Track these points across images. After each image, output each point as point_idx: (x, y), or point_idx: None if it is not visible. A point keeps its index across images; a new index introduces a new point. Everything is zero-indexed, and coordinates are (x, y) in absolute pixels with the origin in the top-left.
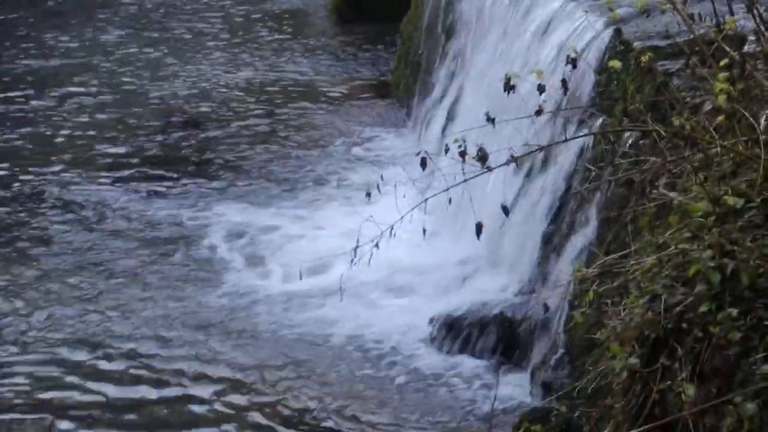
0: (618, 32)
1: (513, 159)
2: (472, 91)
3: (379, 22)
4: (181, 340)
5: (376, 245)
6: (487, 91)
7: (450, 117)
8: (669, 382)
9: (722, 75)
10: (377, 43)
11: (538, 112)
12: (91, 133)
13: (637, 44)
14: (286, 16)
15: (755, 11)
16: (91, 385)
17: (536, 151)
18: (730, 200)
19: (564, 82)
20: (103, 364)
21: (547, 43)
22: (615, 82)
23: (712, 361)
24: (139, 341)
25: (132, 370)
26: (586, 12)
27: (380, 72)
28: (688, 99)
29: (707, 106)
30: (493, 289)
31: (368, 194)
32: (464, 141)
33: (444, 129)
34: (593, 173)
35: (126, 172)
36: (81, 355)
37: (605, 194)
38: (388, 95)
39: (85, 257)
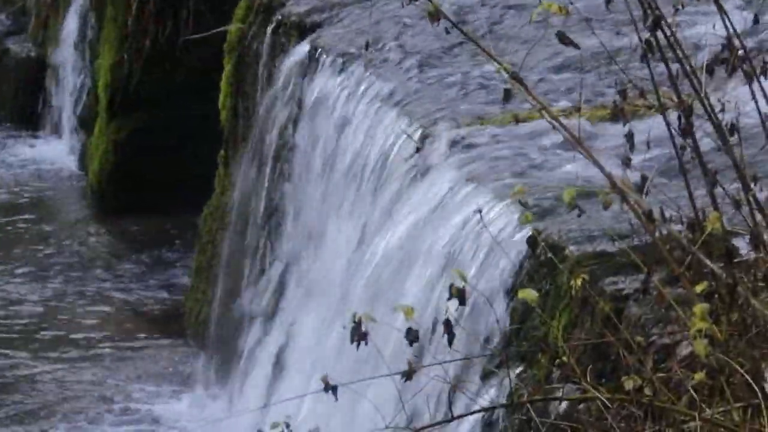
0: (533, 242)
1: None
2: (313, 323)
3: (167, 213)
4: None
5: None
6: (334, 325)
7: (279, 367)
8: None
9: (701, 308)
10: (164, 248)
11: (408, 373)
12: None
13: (571, 250)
14: (24, 206)
15: (750, 198)
16: None
17: None
18: None
19: (448, 325)
20: None
21: (425, 257)
22: (539, 312)
23: None
24: None
25: None
26: (479, 211)
27: (168, 296)
28: (654, 339)
29: (684, 351)
30: None
31: None
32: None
33: (269, 387)
34: None
35: None
36: None
37: None
38: (181, 333)
39: None
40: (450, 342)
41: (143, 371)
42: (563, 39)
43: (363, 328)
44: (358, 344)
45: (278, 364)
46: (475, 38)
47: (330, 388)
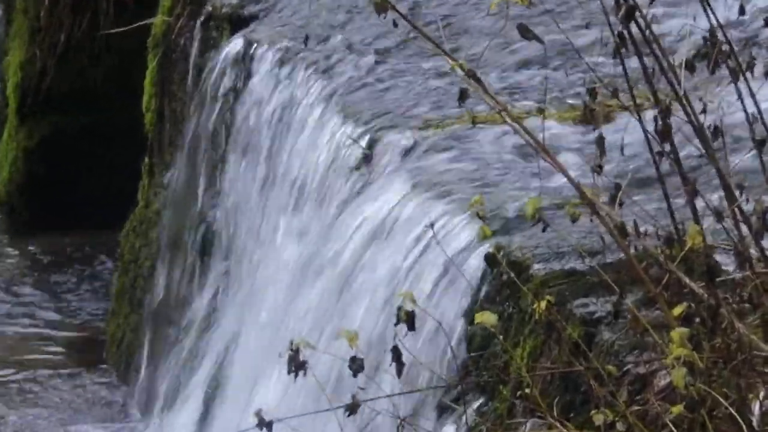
0: (491, 259)
1: None
2: (252, 344)
3: (85, 228)
4: None
5: None
6: (275, 348)
7: (210, 398)
8: None
9: (679, 332)
10: (81, 267)
11: (352, 407)
12: None
13: (536, 269)
14: None
15: (735, 210)
16: None
17: None
18: None
19: (396, 353)
20: None
21: (373, 277)
22: (499, 338)
23: None
24: None
25: None
26: (431, 225)
27: (85, 320)
28: (628, 368)
29: (662, 381)
30: None
31: None
32: None
33: (201, 421)
34: None
35: None
36: None
37: None
38: (100, 361)
39: None
40: (399, 372)
41: (54, 405)
42: (525, 33)
43: (301, 357)
44: (296, 374)
45: (209, 396)
46: (428, 32)
47: (264, 424)
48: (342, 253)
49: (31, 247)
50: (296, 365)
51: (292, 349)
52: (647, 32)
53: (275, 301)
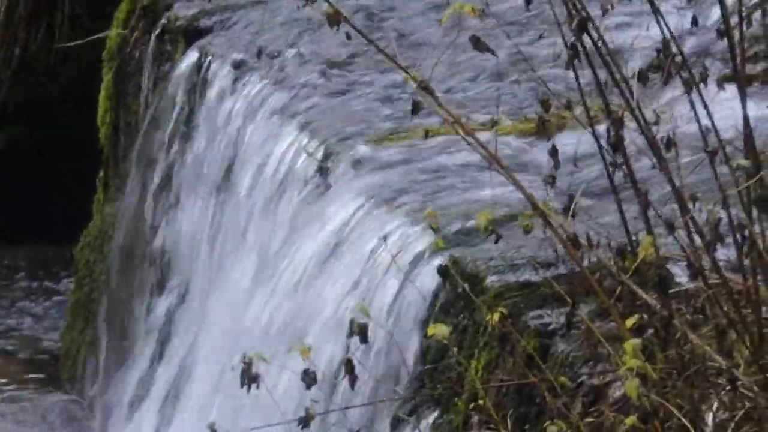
0: (445, 272)
1: None
2: (209, 359)
3: (40, 242)
4: None
5: None
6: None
7: (166, 410)
8: None
9: (632, 344)
10: (36, 281)
11: (306, 420)
12: None
13: (491, 281)
14: None
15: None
16: None
17: None
18: None
19: (350, 365)
20: None
21: (327, 290)
22: (453, 350)
23: None
24: None
25: None
26: (384, 238)
27: (40, 336)
28: (582, 379)
29: (616, 392)
30: None
31: None
32: None
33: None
34: None
35: None
36: None
37: None
38: (56, 379)
39: None
40: (352, 384)
41: (8, 423)
42: (478, 45)
43: (254, 370)
44: (249, 388)
45: (166, 407)
46: (380, 45)
47: None
48: (297, 265)
49: None
50: (249, 379)
51: (244, 362)
52: (600, 43)
53: (230, 314)
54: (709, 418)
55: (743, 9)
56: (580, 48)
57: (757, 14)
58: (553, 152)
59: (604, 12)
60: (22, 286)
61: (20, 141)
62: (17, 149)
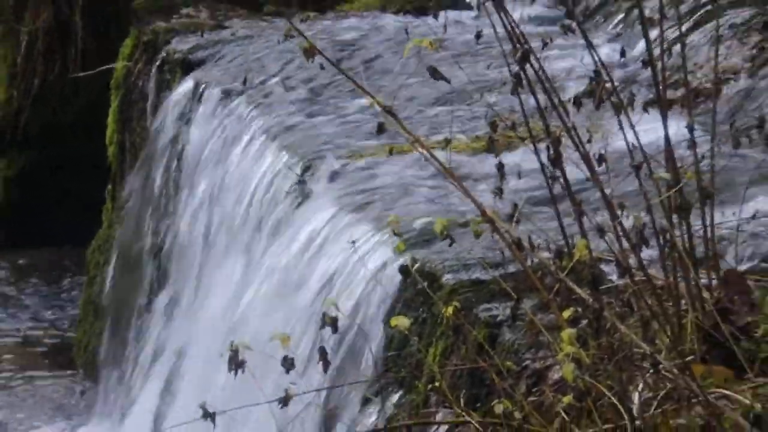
0: (406, 271)
1: None
2: (203, 349)
3: (59, 246)
4: None
5: None
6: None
7: (166, 394)
8: None
9: (568, 333)
10: (53, 281)
11: (285, 400)
12: None
13: (447, 278)
14: None
15: (617, 228)
16: None
17: None
18: None
19: (323, 352)
20: None
21: (305, 288)
22: (414, 339)
23: None
24: None
25: None
26: (353, 242)
27: (59, 327)
28: (527, 363)
29: (555, 375)
30: None
31: None
32: None
33: (156, 418)
34: None
35: None
36: None
37: None
38: (71, 364)
39: None
40: (325, 369)
41: (31, 405)
42: (435, 74)
43: (240, 357)
44: (236, 372)
45: (165, 391)
46: (351, 74)
47: (208, 415)
48: (279, 266)
49: (10, 263)
50: (236, 364)
51: (231, 350)
52: (540, 72)
53: (221, 311)
54: (636, 397)
55: (665, 42)
56: (523, 76)
57: (676, 47)
58: (500, 167)
59: (544, 45)
60: (36, 283)
61: (37, 161)
62: (34, 168)
